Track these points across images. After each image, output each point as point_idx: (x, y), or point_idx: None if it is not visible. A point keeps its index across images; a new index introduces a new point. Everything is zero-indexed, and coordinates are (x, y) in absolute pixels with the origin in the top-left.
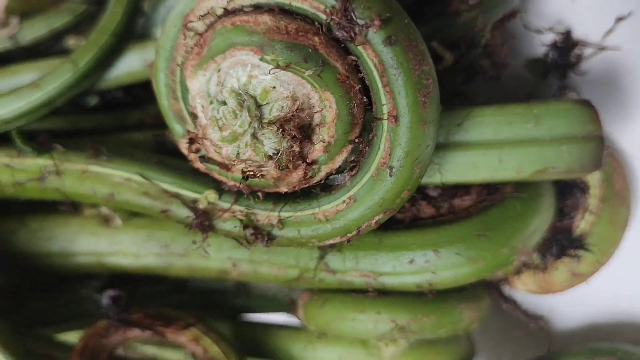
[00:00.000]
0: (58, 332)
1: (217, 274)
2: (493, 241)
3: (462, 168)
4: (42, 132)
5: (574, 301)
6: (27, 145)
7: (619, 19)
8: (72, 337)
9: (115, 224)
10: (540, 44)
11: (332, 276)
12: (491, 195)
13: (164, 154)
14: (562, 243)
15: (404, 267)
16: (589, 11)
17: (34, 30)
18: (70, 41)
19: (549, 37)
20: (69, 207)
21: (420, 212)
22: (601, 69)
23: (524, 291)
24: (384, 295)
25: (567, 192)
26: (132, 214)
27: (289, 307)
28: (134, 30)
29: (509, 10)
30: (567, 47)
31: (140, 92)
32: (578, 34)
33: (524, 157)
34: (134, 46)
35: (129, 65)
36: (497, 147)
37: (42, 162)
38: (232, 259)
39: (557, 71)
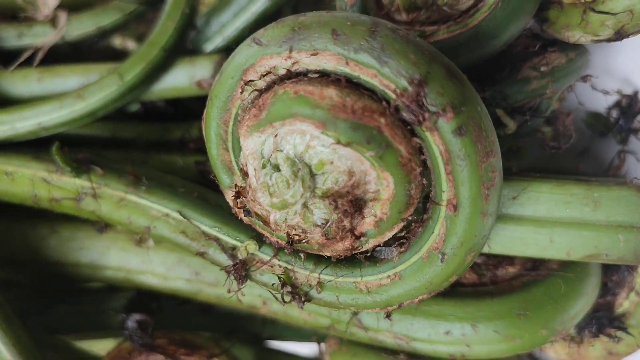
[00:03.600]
0: (78, 340)
1: (246, 308)
2: (533, 322)
3: (511, 242)
4: (85, 147)
5: None
6: (67, 164)
7: None
8: (88, 345)
9: (147, 245)
10: (604, 101)
11: (364, 333)
12: (535, 270)
13: (203, 183)
14: (602, 321)
15: (439, 337)
16: None
17: (81, 27)
18: (117, 40)
19: (614, 97)
20: (103, 228)
21: (462, 278)
22: None
23: (555, 359)
24: (414, 359)
25: (614, 267)
26: None
27: (313, 339)
28: (184, 44)
29: (580, 77)
30: (632, 110)
31: (183, 105)
32: None
33: (577, 239)
34: (182, 61)
35: (176, 80)
36: (550, 225)
37: (79, 183)
38: (263, 297)
39: (619, 133)
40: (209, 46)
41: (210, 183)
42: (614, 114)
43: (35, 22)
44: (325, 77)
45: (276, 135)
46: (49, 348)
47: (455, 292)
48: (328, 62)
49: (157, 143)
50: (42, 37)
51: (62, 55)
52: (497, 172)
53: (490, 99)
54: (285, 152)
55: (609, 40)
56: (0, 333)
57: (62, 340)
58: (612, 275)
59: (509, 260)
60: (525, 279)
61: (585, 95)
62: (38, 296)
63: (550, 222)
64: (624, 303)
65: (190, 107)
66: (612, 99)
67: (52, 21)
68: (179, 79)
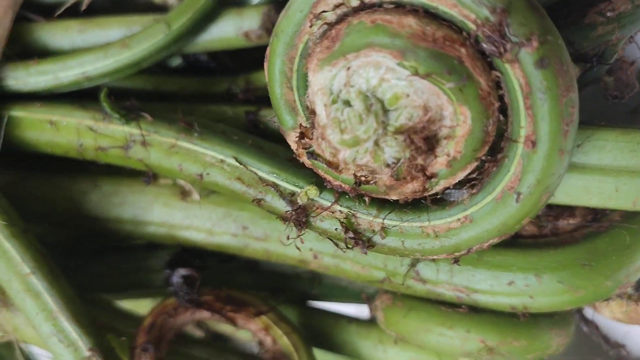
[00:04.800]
0: (119, 299)
1: (296, 262)
2: (598, 272)
3: (575, 191)
4: (130, 97)
5: None
6: (115, 111)
7: None
8: (129, 304)
9: (192, 198)
10: None
11: (422, 285)
12: (597, 222)
13: (255, 134)
14: None
15: (502, 288)
16: None
17: None
18: None
19: None
20: (150, 179)
21: (522, 230)
22: None
23: (609, 318)
24: (475, 312)
25: None
26: (211, 190)
27: (361, 299)
28: None
29: None
30: None
31: (226, 59)
32: None
33: None
34: (230, 12)
35: (222, 31)
36: (615, 174)
37: (128, 130)
38: (314, 251)
39: None
40: None
41: (262, 133)
42: None
43: None
44: (401, 7)
45: (348, 69)
46: (90, 304)
47: (516, 243)
48: None
49: (202, 95)
50: None
51: (101, 9)
52: (576, 108)
53: None
54: (357, 86)
55: None
56: (47, 285)
57: (101, 297)
58: None
59: (569, 211)
60: (586, 230)
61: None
62: (78, 253)
63: (616, 170)
64: None
65: (232, 63)
66: None
67: None
68: (226, 30)
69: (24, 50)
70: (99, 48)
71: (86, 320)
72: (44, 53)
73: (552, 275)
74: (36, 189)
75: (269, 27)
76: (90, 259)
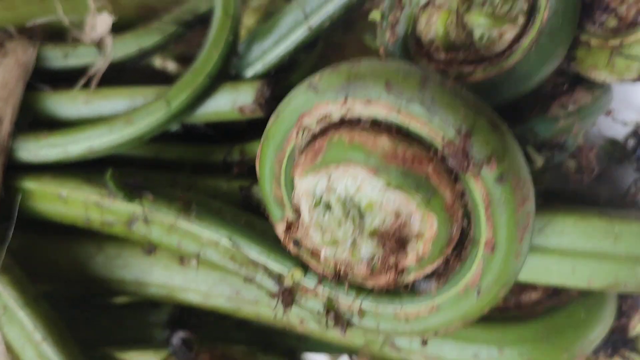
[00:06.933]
0: (119, 352)
1: (283, 325)
2: (555, 346)
3: (536, 271)
4: (135, 176)
5: None
6: (120, 190)
7: None
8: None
9: (190, 264)
10: (623, 130)
11: (397, 353)
12: (557, 296)
13: (248, 208)
14: (617, 344)
15: (467, 359)
16: None
17: (124, 48)
18: (157, 61)
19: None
20: (152, 250)
21: None
22: None
23: None
24: None
25: None
26: None
27: (344, 351)
28: (227, 70)
29: (603, 112)
30: None
31: (222, 127)
32: None
33: (598, 270)
34: (225, 87)
35: (219, 105)
36: (573, 256)
37: (132, 208)
38: (300, 316)
39: (636, 162)
40: (250, 72)
41: (254, 208)
42: (631, 143)
43: (80, 42)
44: (376, 125)
45: (329, 177)
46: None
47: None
48: (381, 110)
49: (199, 165)
50: (86, 58)
51: (105, 75)
52: (531, 216)
53: (521, 135)
54: (337, 193)
55: (633, 80)
56: (57, 351)
57: (103, 352)
58: (627, 299)
59: (532, 286)
60: (547, 304)
61: (604, 124)
62: (84, 308)
63: (573, 253)
64: (638, 326)
65: (228, 130)
66: (630, 129)
67: (97, 42)
68: (222, 104)
69: (33, 118)
70: (104, 123)
71: None
72: (52, 122)
73: (513, 349)
74: (45, 252)
75: (261, 102)
76: (95, 314)
